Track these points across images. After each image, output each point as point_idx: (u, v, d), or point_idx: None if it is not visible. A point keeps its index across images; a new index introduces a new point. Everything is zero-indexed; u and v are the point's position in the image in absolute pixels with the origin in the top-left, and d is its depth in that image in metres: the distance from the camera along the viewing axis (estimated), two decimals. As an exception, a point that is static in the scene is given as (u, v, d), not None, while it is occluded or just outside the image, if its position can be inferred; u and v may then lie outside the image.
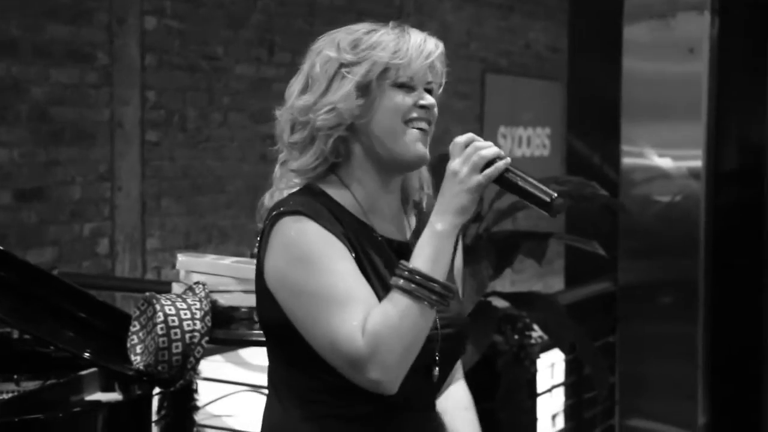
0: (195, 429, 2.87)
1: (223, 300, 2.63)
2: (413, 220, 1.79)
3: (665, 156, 4.38)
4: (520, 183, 1.61)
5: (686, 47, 4.33)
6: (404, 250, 1.67)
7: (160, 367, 2.44)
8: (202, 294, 2.57)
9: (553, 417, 4.45)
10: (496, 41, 8.28)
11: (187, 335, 2.45)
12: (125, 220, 5.40)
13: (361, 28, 1.72)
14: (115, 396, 2.53)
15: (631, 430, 4.48)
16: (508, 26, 8.51)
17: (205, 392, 3.02)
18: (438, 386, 1.74)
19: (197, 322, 2.48)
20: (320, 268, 1.60)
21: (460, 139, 1.63)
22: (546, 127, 8.80)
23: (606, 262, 4.13)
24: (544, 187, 1.60)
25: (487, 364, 3.31)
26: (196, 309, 2.51)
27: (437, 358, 1.68)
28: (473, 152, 1.61)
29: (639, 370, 4.48)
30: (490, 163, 1.61)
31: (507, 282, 6.63)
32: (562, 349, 3.99)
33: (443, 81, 1.75)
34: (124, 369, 2.50)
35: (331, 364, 1.59)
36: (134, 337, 2.51)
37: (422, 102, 1.69)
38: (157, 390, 2.63)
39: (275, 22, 6.32)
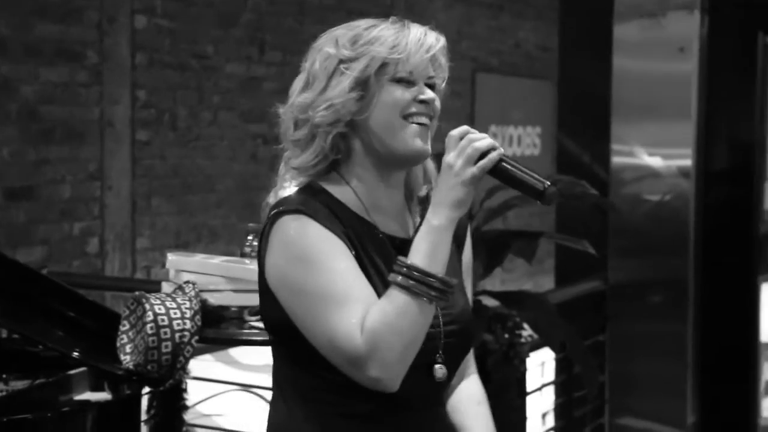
0: (185, 428, 2.87)
1: (213, 299, 2.63)
2: (418, 216, 1.77)
3: (655, 155, 4.39)
4: (514, 173, 1.61)
5: (676, 46, 4.34)
6: (406, 247, 1.65)
7: (149, 367, 2.44)
8: (192, 293, 2.57)
9: (543, 416, 4.45)
10: (487, 40, 8.29)
11: (177, 334, 2.45)
12: (115, 220, 5.39)
13: (362, 24, 1.72)
14: (104, 395, 2.53)
15: (621, 428, 4.49)
16: (498, 25, 8.52)
17: (194, 391, 3.01)
18: (445, 384, 1.72)
19: (187, 321, 2.48)
20: (319, 266, 1.60)
21: (455, 132, 1.63)
22: (536, 126, 8.81)
23: (596, 261, 4.14)
24: (537, 176, 1.61)
25: (477, 363, 3.31)
26: (186, 308, 2.50)
27: (441, 355, 1.67)
28: (467, 144, 1.61)
29: (629, 369, 4.49)
30: (484, 155, 1.60)
31: (497, 281, 6.64)
32: (552, 348, 4.00)
33: (446, 75, 1.74)
34: (113, 368, 2.50)
35: (331, 362, 1.59)
36: (124, 336, 2.50)
37: (422, 97, 1.68)
38: (146, 389, 2.63)
39: (265, 21, 6.32)
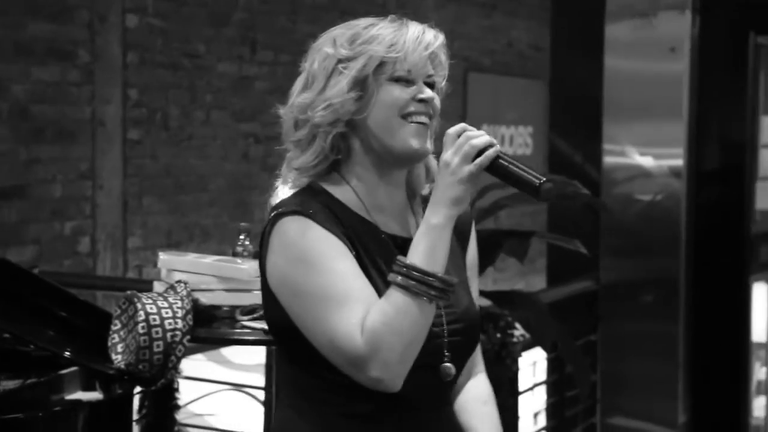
0: (176, 428, 2.86)
1: (205, 298, 2.63)
2: (420, 216, 1.75)
3: (646, 155, 4.39)
4: (511, 169, 1.61)
5: (667, 46, 4.34)
6: (408, 246, 1.64)
7: (141, 366, 2.43)
8: (184, 292, 2.57)
9: (535, 415, 4.46)
10: (479, 40, 8.29)
11: (169, 334, 2.45)
12: (107, 219, 5.39)
13: (361, 23, 1.71)
14: (95, 395, 2.52)
15: (613, 428, 4.49)
16: (490, 25, 8.52)
17: (186, 391, 3.01)
18: (451, 383, 1.72)
19: (179, 320, 2.48)
20: (319, 267, 1.59)
21: (452, 129, 1.62)
22: (528, 125, 8.82)
23: (588, 261, 4.14)
24: (533, 173, 1.61)
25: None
26: (178, 308, 2.50)
27: (446, 354, 1.67)
28: (464, 142, 1.60)
29: (620, 369, 4.49)
30: (481, 152, 1.60)
31: (489, 280, 6.64)
32: (544, 348, 4.00)
33: (447, 73, 1.73)
34: (104, 368, 2.49)
35: (332, 362, 1.59)
36: (115, 335, 2.50)
37: (420, 96, 1.67)
38: (138, 389, 2.62)
39: (257, 20, 6.31)
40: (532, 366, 4.31)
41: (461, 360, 1.73)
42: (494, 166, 1.61)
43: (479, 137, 1.61)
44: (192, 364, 3.05)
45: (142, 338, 2.43)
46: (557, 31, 4.92)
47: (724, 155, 4.50)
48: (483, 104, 8.10)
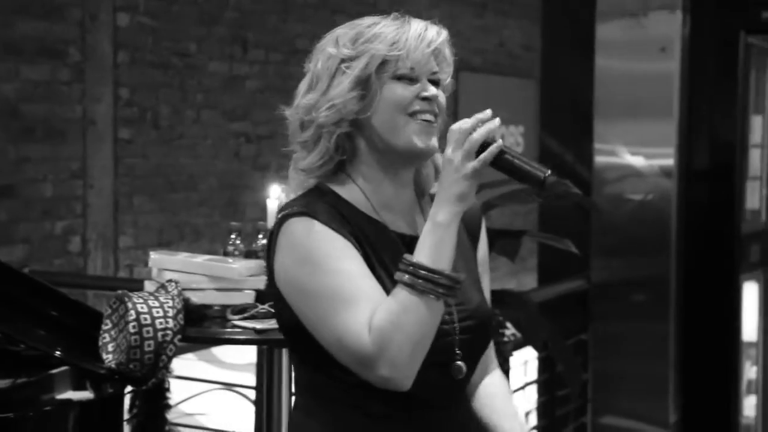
0: (167, 428, 2.86)
1: (196, 298, 2.62)
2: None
3: (637, 154, 4.40)
4: (515, 164, 1.60)
5: (658, 46, 4.35)
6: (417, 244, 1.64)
7: (131, 366, 2.43)
8: (175, 292, 2.56)
9: (526, 414, 4.46)
10: (470, 39, 8.30)
11: (160, 333, 2.44)
12: (97, 218, 5.38)
13: (364, 21, 1.71)
14: (86, 395, 2.52)
15: (604, 427, 4.50)
16: (482, 24, 8.53)
17: (177, 390, 3.01)
18: (464, 382, 1.71)
19: (169, 320, 2.47)
20: (325, 268, 1.59)
21: (454, 126, 1.62)
22: (519, 125, 8.82)
23: (579, 260, 4.14)
24: (537, 165, 1.61)
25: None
26: (169, 307, 2.50)
27: (458, 352, 1.66)
28: (465, 137, 1.60)
29: (611, 368, 4.50)
30: (485, 147, 1.59)
31: (480, 280, 6.63)
32: (535, 347, 4.00)
33: (452, 69, 1.73)
34: (95, 367, 2.49)
35: (341, 362, 1.59)
36: (106, 335, 2.50)
37: (424, 93, 1.67)
38: (129, 388, 2.62)
39: (249, 19, 6.31)
40: (523, 365, 4.31)
41: (473, 358, 1.72)
42: (498, 161, 1.60)
43: (479, 131, 1.60)
44: (183, 364, 3.04)
45: (133, 338, 2.42)
46: (548, 30, 4.92)
47: (714, 155, 4.51)
48: (474, 104, 8.07)
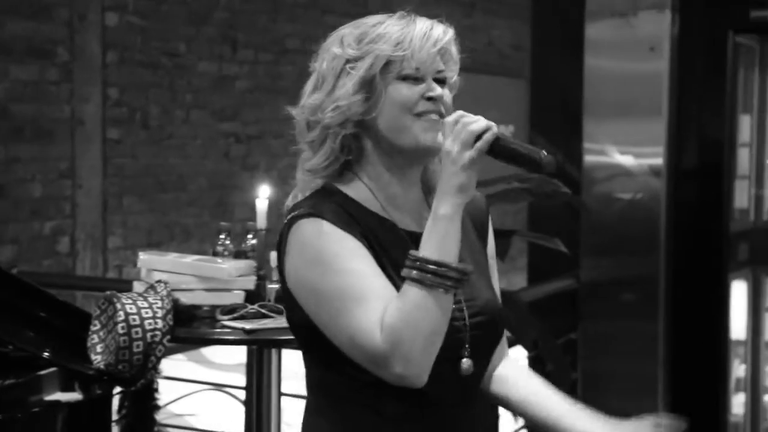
0: (156, 428, 2.85)
1: (185, 298, 2.62)
2: None
3: (627, 153, 4.41)
4: (510, 149, 1.61)
5: (647, 45, 4.36)
6: None
7: (120, 367, 2.42)
8: (164, 292, 2.56)
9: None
10: (460, 39, 8.30)
11: (149, 334, 2.44)
12: (86, 219, 5.36)
13: (370, 21, 1.70)
14: (75, 396, 2.51)
15: (593, 426, 4.49)
16: (471, 24, 8.53)
17: (166, 391, 3.00)
18: (476, 378, 1.71)
19: (158, 320, 2.47)
20: (336, 268, 1.59)
21: (450, 118, 1.62)
22: (509, 124, 8.83)
23: (568, 260, 4.14)
24: (532, 148, 1.62)
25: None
26: (158, 307, 2.49)
27: (468, 348, 1.66)
28: (462, 129, 1.60)
29: (601, 367, 4.50)
30: (480, 137, 1.59)
31: (470, 279, 6.64)
32: (525, 346, 4.01)
33: (458, 67, 1.73)
34: (84, 368, 2.48)
35: (355, 361, 1.58)
36: (95, 336, 2.49)
37: (429, 93, 1.67)
38: (117, 389, 2.61)
39: (238, 19, 6.30)
40: (513, 364, 4.30)
41: (485, 354, 1.72)
42: (494, 149, 1.61)
43: (476, 122, 1.60)
44: (172, 364, 3.04)
45: (121, 338, 2.42)
46: (538, 30, 4.92)
47: (703, 154, 4.52)
48: (463, 103, 8.08)
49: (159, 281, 2.62)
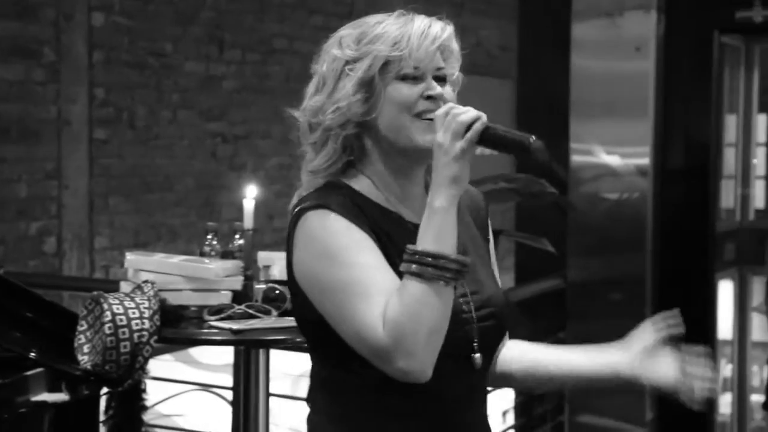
0: (143, 429, 2.85)
1: (172, 299, 2.61)
2: None
3: (613, 153, 4.42)
4: (499, 137, 1.63)
5: (633, 46, 4.37)
6: None
7: (107, 367, 2.42)
8: (151, 293, 2.55)
9: (504, 413, 4.47)
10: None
11: (136, 334, 2.43)
12: (73, 219, 5.35)
13: (369, 21, 1.70)
14: (61, 396, 2.51)
15: (581, 426, 4.52)
16: (458, 24, 8.53)
17: (154, 392, 3.00)
18: (482, 373, 1.71)
19: (146, 321, 2.46)
20: (342, 260, 1.59)
21: (440, 111, 1.62)
22: (496, 125, 8.84)
23: (556, 259, 4.15)
24: (521, 134, 1.64)
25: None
26: (145, 308, 2.49)
27: (476, 342, 1.66)
28: (452, 120, 1.60)
29: (588, 366, 4.51)
30: (470, 127, 1.60)
31: (458, 279, 6.64)
32: (513, 346, 4.01)
33: (460, 62, 1.73)
34: (71, 369, 2.48)
35: (362, 355, 1.58)
36: (81, 336, 2.48)
37: (429, 92, 1.67)
38: (104, 390, 2.61)
39: (225, 19, 6.29)
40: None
41: (492, 347, 1.73)
42: (484, 138, 1.62)
43: (465, 113, 1.61)
44: (160, 365, 3.04)
45: (108, 339, 2.41)
46: (524, 30, 4.93)
47: (689, 154, 4.53)
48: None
49: (146, 281, 2.61)
